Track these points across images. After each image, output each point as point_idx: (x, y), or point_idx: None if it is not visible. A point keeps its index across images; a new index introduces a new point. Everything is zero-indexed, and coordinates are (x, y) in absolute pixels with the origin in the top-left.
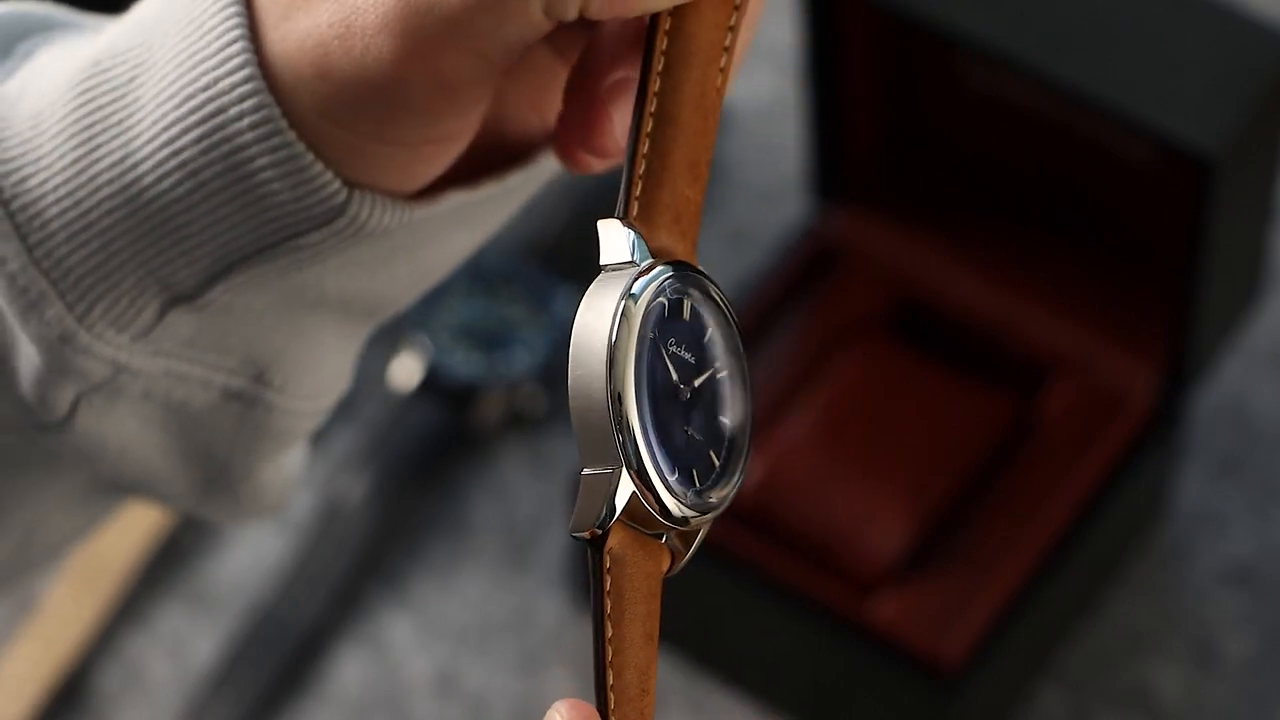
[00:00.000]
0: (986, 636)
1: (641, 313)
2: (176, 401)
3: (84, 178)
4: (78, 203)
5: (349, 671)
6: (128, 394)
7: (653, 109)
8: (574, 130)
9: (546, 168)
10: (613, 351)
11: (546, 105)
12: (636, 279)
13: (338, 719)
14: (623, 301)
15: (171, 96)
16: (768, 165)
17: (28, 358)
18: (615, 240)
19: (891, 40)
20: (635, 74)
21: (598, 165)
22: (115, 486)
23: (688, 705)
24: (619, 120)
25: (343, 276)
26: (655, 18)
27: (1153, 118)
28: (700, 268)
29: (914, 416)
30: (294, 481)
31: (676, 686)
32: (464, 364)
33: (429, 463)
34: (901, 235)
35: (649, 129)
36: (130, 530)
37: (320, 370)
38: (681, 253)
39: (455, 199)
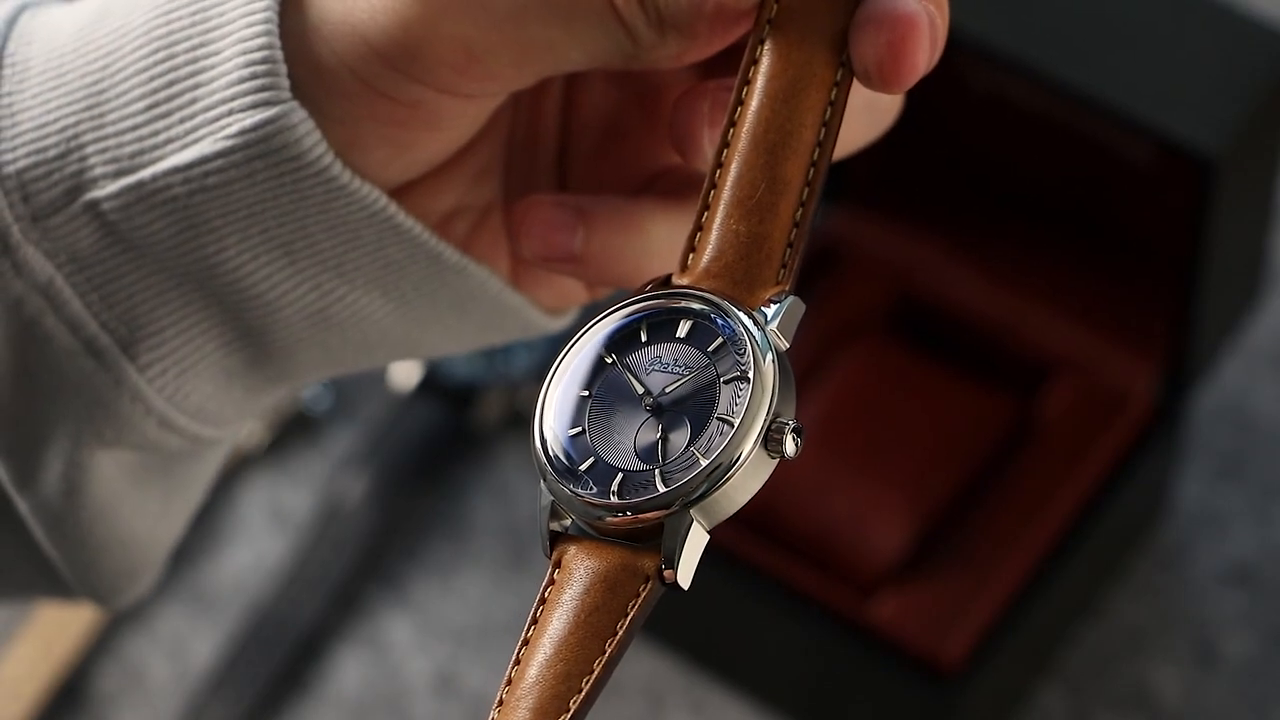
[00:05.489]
0: (986, 636)
1: (598, 335)
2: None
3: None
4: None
5: (349, 672)
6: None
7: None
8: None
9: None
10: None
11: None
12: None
13: (337, 719)
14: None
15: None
16: None
17: None
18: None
19: None
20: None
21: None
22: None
23: (688, 705)
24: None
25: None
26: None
27: (1154, 118)
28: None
29: (914, 416)
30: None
31: (676, 686)
32: (464, 364)
33: (429, 463)
34: (901, 235)
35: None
36: None
37: (201, 390)
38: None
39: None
